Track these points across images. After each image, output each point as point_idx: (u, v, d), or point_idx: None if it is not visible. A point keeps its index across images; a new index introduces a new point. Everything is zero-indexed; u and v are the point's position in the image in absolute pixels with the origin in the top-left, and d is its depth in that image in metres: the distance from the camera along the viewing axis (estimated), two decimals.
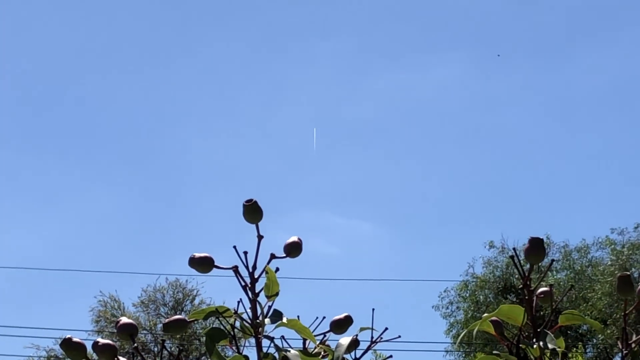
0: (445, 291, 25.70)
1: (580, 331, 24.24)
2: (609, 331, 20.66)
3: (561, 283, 24.23)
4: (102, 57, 35.83)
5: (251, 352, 1.73)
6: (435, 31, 36.26)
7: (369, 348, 1.79)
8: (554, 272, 24.69)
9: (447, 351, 24.67)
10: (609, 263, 23.85)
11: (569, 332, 24.01)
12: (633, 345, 1.70)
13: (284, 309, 1.76)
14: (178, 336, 22.24)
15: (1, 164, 34.97)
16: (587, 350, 22.75)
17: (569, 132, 35.36)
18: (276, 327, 1.73)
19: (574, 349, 20.30)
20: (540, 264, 1.72)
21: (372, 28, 36.39)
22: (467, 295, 25.19)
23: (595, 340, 23.69)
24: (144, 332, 23.44)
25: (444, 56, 34.74)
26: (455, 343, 24.23)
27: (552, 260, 1.76)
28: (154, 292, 25.12)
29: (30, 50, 35.20)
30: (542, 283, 1.72)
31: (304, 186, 34.42)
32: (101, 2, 36.20)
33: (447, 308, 25.56)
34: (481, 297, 24.55)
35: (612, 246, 25.04)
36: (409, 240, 35.30)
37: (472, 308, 24.26)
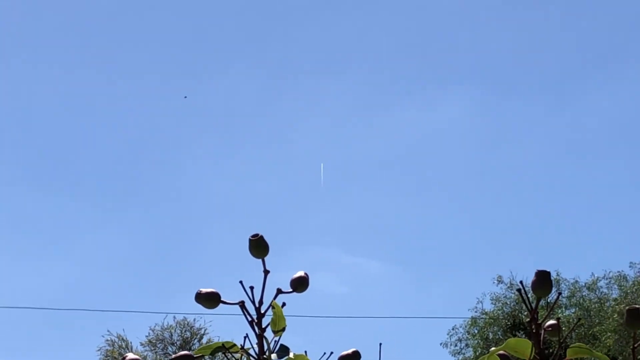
0: (453, 328, 25.61)
1: None
2: None
3: (570, 320, 24.11)
4: (112, 97, 36.05)
5: None
6: (444, 67, 36.28)
7: None
8: (563, 309, 24.59)
9: None
10: (619, 299, 23.74)
11: None
12: None
13: (292, 346, 1.75)
14: None
15: (11, 203, 35.12)
16: None
17: (579, 168, 35.35)
18: None
19: None
20: (547, 297, 1.72)
21: (381, 65, 36.52)
22: (476, 332, 25.08)
23: None
24: None
25: (454, 93, 34.74)
26: None
27: (559, 294, 1.76)
28: (162, 331, 25.09)
29: (42, 92, 35.41)
30: (549, 317, 1.71)
31: (312, 223, 34.41)
32: (108, 35, 36.41)
33: (456, 345, 25.46)
34: (490, 334, 24.46)
35: (622, 282, 24.94)
36: (418, 278, 35.21)
37: (481, 345, 24.16)
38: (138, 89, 36.57)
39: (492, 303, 25.36)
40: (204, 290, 1.75)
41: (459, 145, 36.06)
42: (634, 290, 24.46)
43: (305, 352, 1.76)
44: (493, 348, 1.67)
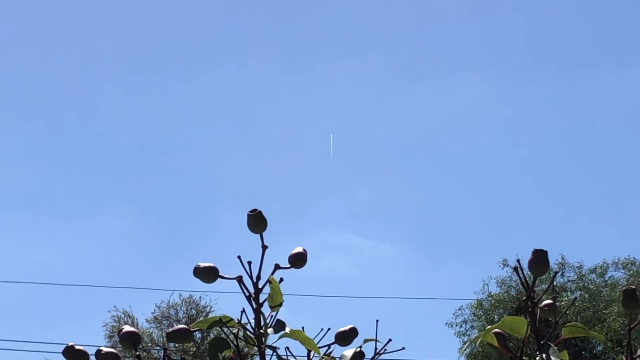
0: (459, 309, 25.66)
1: (594, 352, 24.13)
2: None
3: (576, 303, 24.16)
4: (126, 78, 36.18)
5: None
6: (456, 53, 36.39)
7: (373, 359, 1.79)
8: (569, 293, 24.62)
9: None
10: (626, 284, 23.72)
11: (583, 352, 23.90)
12: (637, 359, 1.69)
13: (298, 324, 1.75)
14: (193, 350, 22.24)
15: (25, 184, 35.38)
16: None
17: (590, 154, 35.32)
18: (280, 337, 1.72)
19: None
20: (552, 279, 1.72)
21: (394, 49, 36.52)
22: (482, 314, 25.13)
23: None
24: (157, 347, 23.43)
25: (465, 78, 34.90)
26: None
27: (556, 273, 1.77)
28: (168, 308, 25.14)
29: (59, 74, 35.54)
30: (551, 297, 1.71)
31: (325, 206, 34.53)
32: (124, 20, 36.42)
33: (461, 327, 25.52)
34: (495, 316, 24.45)
35: (631, 267, 24.96)
36: (427, 260, 35.28)
37: (487, 327, 24.18)
38: (152, 72, 36.67)
39: (497, 286, 25.42)
40: (202, 264, 1.75)
41: (472, 130, 36.23)
42: None
43: (303, 327, 1.76)
44: (489, 326, 1.67)
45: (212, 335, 1.76)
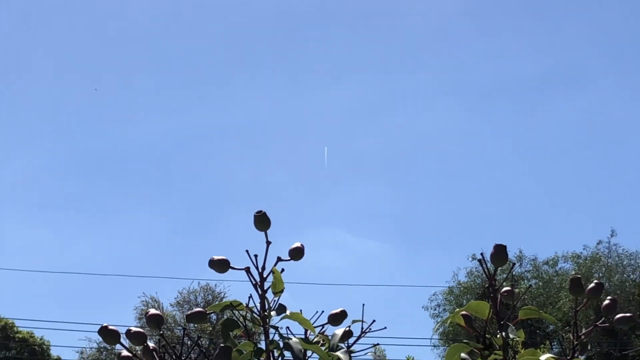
0: (434, 294, 25.72)
1: (547, 331, 24.12)
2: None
3: (531, 290, 24.18)
4: (153, 100, 36.37)
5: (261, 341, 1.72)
6: (431, 82, 36.72)
7: (359, 337, 1.79)
8: (525, 281, 24.64)
9: (434, 346, 24.65)
10: (573, 273, 23.73)
11: (538, 331, 23.88)
12: (582, 337, 1.68)
13: (297, 308, 1.74)
14: (209, 330, 22.17)
15: (69, 189, 35.55)
16: (553, 346, 22.59)
17: (541, 164, 35.52)
18: (281, 319, 1.71)
19: (542, 345, 20.17)
20: (510, 269, 1.71)
21: (380, 77, 36.83)
22: (452, 299, 25.18)
23: (559, 338, 23.54)
24: (179, 327, 23.35)
25: (439, 102, 35.40)
26: (440, 339, 24.14)
27: (513, 264, 1.76)
28: (188, 294, 25.11)
29: (98, 96, 35.68)
30: (509, 285, 1.71)
31: (322, 209, 34.73)
32: (154, 50, 36.45)
33: (435, 309, 25.61)
34: (464, 301, 24.43)
35: (577, 259, 25.04)
36: (407, 254, 35.53)
37: (456, 310, 24.15)
38: (175, 97, 36.81)
39: (466, 276, 25.51)
40: (216, 257, 1.74)
41: (444, 145, 36.53)
42: (587, 265, 24.53)
43: (301, 310, 1.76)
44: (457, 309, 1.66)
45: (225, 317, 1.75)
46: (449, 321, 1.69)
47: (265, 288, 1.71)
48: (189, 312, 1.73)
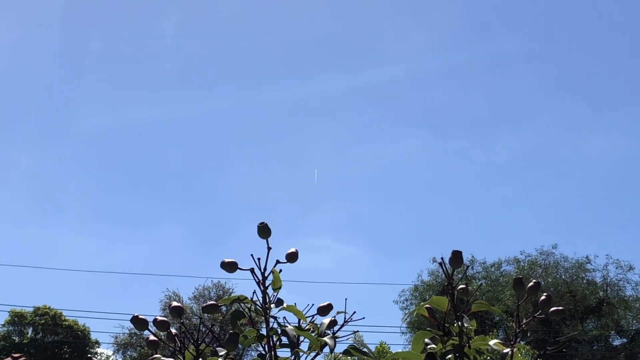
0: (402, 291, 25.74)
1: (494, 321, 24.08)
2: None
3: (481, 288, 24.17)
4: (176, 127, 36.33)
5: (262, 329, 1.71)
6: (399, 116, 36.98)
7: (342, 326, 1.78)
8: (477, 280, 24.65)
9: (402, 333, 24.63)
10: (514, 274, 23.73)
11: (487, 321, 23.84)
12: (523, 326, 1.68)
13: (292, 301, 1.73)
14: (220, 319, 22.04)
15: (106, 203, 35.54)
16: (499, 334, 22.54)
17: (490, 187, 35.70)
18: (279, 310, 1.71)
19: (490, 332, 20.12)
20: (462, 270, 1.71)
21: (359, 113, 37.10)
22: (417, 295, 25.18)
23: (504, 327, 23.52)
24: (196, 317, 23.22)
25: (406, 134, 35.80)
26: (407, 327, 24.11)
27: (467, 267, 1.75)
28: (203, 290, 25.00)
29: (132, 122, 35.74)
30: (462, 283, 1.70)
31: (312, 220, 34.82)
32: (178, 87, 36.50)
33: (403, 303, 25.58)
34: (427, 296, 24.39)
35: (517, 263, 25.11)
36: (380, 258, 35.68)
37: (421, 304, 24.12)
38: (192, 125, 36.87)
39: (429, 275, 25.49)
40: (226, 260, 1.73)
41: (412, 168, 36.76)
42: (526, 268, 24.56)
43: (295, 304, 1.75)
44: (422, 303, 1.66)
45: (233, 309, 1.74)
46: (415, 313, 1.69)
47: (266, 285, 1.71)
48: (204, 304, 1.72)
